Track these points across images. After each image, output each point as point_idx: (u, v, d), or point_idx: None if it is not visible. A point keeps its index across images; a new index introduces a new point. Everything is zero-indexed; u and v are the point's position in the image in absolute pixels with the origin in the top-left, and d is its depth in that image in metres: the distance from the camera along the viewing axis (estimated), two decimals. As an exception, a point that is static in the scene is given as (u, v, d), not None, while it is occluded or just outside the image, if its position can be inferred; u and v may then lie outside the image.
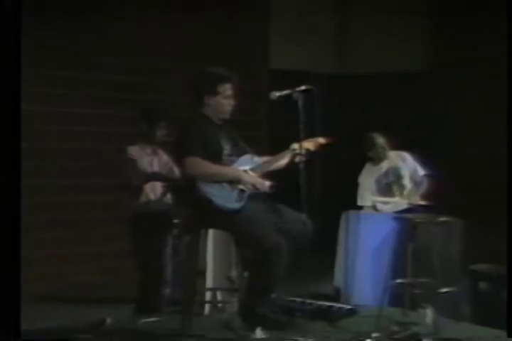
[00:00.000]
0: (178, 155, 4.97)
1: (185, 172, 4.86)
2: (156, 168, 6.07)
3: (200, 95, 5.00)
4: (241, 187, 4.86)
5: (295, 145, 5.04)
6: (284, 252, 4.74)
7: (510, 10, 4.73)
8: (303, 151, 4.99)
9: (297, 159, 5.00)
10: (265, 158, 5.15)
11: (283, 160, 5.10)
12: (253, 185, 4.89)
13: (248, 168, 4.99)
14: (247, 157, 5.04)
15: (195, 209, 4.96)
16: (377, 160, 7.06)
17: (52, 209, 8.42)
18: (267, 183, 4.97)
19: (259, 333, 4.80)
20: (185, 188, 5.02)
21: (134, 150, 6.06)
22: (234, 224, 4.81)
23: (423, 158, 7.07)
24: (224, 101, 4.99)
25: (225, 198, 4.77)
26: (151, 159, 6.08)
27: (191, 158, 4.79)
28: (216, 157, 4.88)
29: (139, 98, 8.55)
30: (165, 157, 6.16)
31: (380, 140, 7.02)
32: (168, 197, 6.09)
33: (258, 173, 5.00)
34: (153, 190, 6.00)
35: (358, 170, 7.20)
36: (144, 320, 5.53)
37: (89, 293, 7.86)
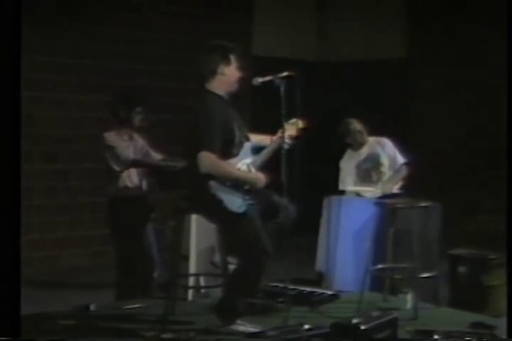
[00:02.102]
0: (193, 144, 4.78)
1: (200, 168, 4.70)
2: (132, 153, 6.04)
3: (214, 65, 4.91)
4: (246, 188, 4.86)
5: (280, 133, 5.07)
6: (268, 258, 4.77)
7: (510, 8, 4.76)
8: (287, 137, 5.04)
9: (285, 145, 5.03)
10: (256, 138, 5.16)
11: (273, 149, 5.10)
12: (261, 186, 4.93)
13: (249, 162, 4.99)
14: (247, 146, 4.99)
15: (195, 199, 4.91)
16: (356, 145, 7.06)
17: (39, 193, 8.45)
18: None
19: (239, 327, 4.86)
20: (188, 177, 4.97)
21: (111, 137, 6.01)
22: (231, 227, 4.86)
23: (400, 144, 7.09)
24: (235, 71, 4.94)
25: (231, 201, 4.76)
26: (128, 145, 6.05)
27: (208, 155, 4.67)
28: (228, 146, 4.83)
29: (121, 84, 8.57)
30: (140, 141, 6.14)
31: (357, 125, 6.98)
32: (145, 182, 6.08)
33: (256, 166, 5.03)
34: (129, 176, 5.99)
35: (340, 155, 7.23)
36: (127, 307, 5.56)
37: (76, 277, 7.89)
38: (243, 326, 4.84)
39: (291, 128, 5.13)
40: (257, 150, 5.10)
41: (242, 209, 4.78)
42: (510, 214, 4.47)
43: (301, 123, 5.20)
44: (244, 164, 4.96)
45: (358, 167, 7.02)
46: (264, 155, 5.08)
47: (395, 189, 6.79)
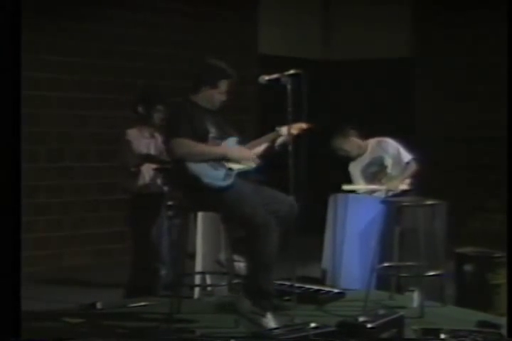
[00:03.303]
0: (167, 137, 5.04)
1: (173, 154, 4.95)
2: (152, 150, 6.11)
3: (199, 85, 5.09)
4: (228, 166, 4.94)
5: (279, 128, 5.15)
6: (273, 228, 4.82)
7: (510, 8, 4.76)
8: (286, 135, 5.11)
9: (279, 141, 5.10)
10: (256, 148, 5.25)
11: (266, 143, 5.19)
12: (241, 159, 5.02)
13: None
14: (232, 140, 5.13)
15: (185, 189, 5.06)
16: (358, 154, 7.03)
17: (44, 192, 8.45)
18: (255, 156, 5.07)
19: (270, 318, 4.84)
20: (173, 169, 5.12)
21: (133, 133, 6.11)
22: (222, 203, 4.90)
23: (406, 143, 7.06)
24: (218, 95, 5.10)
25: (212, 177, 4.87)
26: (149, 142, 6.12)
27: (177, 139, 4.88)
28: (202, 139, 4.96)
29: (138, 83, 8.60)
30: (161, 139, 6.19)
31: (344, 145, 6.93)
32: (162, 179, 6.12)
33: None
34: (149, 173, 6.04)
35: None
36: (132, 305, 5.56)
37: (81, 275, 7.90)
38: (270, 322, 4.83)
39: (294, 127, 5.19)
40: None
41: (226, 183, 4.88)
42: (510, 215, 4.47)
43: (304, 125, 5.30)
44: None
45: (363, 171, 6.98)
46: (252, 146, 5.17)
47: (403, 186, 6.75)
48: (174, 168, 5.11)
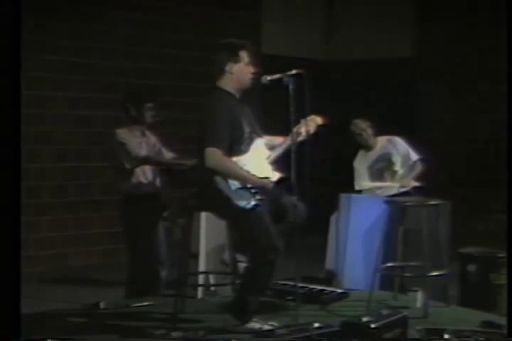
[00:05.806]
0: (202, 141, 4.79)
1: (204, 162, 4.75)
2: (144, 150, 6.03)
3: (222, 64, 4.92)
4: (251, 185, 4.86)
5: (300, 129, 5.09)
6: (277, 255, 4.76)
7: (510, 9, 4.76)
8: (304, 133, 5.09)
9: (300, 137, 5.06)
10: (268, 138, 5.18)
11: (285, 148, 5.12)
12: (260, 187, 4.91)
13: (267, 156, 5.03)
14: (259, 142, 5.01)
15: (203, 196, 4.94)
16: (367, 146, 7.08)
17: (49, 192, 8.47)
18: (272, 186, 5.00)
19: (255, 324, 4.85)
20: (196, 174, 5.02)
21: (123, 133, 5.98)
22: (235, 219, 4.86)
23: (410, 143, 7.08)
24: (245, 68, 4.95)
25: (238, 197, 4.76)
26: (140, 141, 6.02)
27: (215, 150, 4.70)
28: (237, 143, 4.85)
29: (130, 82, 8.60)
30: (153, 139, 6.13)
31: (363, 126, 7.02)
32: (158, 179, 6.07)
33: (270, 161, 5.05)
34: (144, 173, 5.98)
35: (351, 154, 7.22)
36: (136, 305, 5.56)
37: (84, 275, 7.92)
38: (259, 323, 4.83)
39: (310, 124, 5.15)
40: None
41: (250, 206, 4.77)
42: (510, 215, 4.47)
43: (319, 120, 5.21)
44: (264, 159, 4.99)
45: (370, 168, 7.02)
46: (278, 150, 5.11)
47: (414, 183, 6.78)
48: (198, 174, 4.98)
